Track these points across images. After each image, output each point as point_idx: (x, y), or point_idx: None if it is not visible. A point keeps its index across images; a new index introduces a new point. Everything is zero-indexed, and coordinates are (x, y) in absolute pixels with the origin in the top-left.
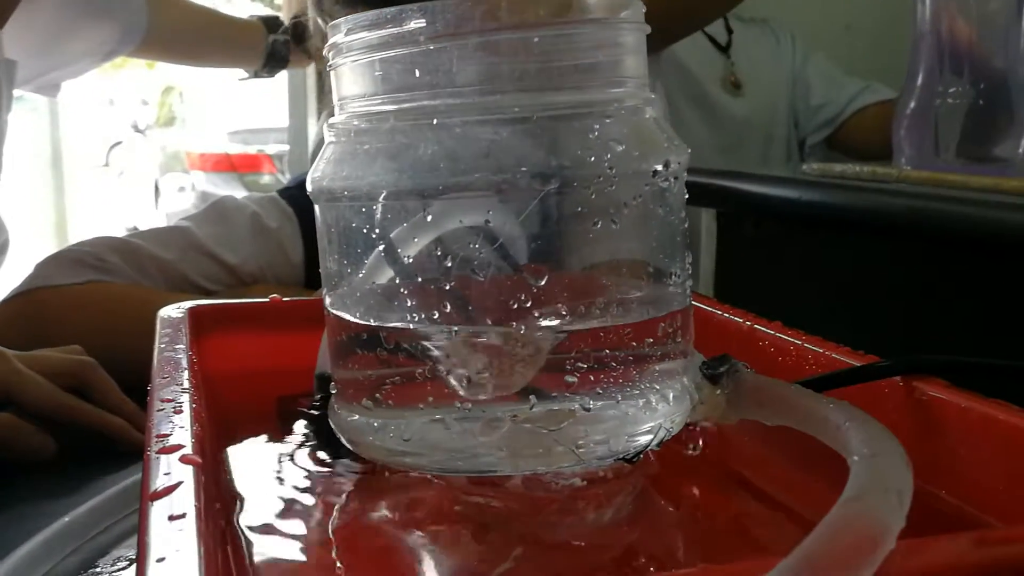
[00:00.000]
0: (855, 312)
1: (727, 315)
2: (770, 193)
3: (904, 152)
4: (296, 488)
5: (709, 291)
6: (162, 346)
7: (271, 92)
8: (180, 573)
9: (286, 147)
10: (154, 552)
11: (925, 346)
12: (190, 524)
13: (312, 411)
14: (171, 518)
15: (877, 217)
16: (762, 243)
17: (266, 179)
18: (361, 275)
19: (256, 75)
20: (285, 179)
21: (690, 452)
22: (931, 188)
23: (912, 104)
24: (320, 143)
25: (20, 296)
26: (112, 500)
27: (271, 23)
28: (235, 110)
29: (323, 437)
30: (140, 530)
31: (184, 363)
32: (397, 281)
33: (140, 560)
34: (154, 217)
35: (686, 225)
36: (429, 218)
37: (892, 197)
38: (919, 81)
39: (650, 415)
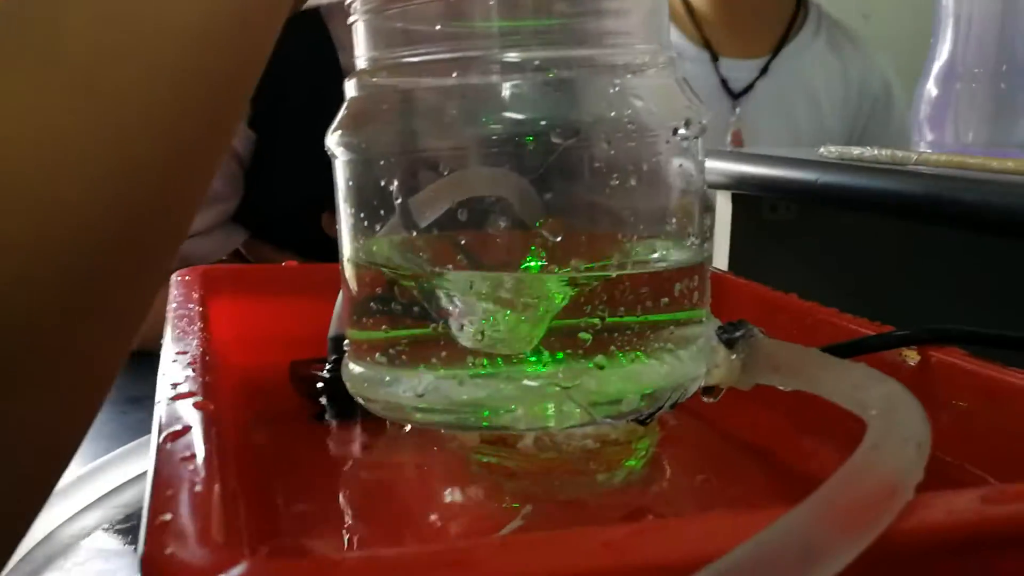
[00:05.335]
0: (871, 295)
1: (742, 286)
2: (787, 175)
3: (924, 135)
4: (309, 446)
5: None
6: (174, 304)
7: None
8: (192, 510)
9: None
10: (165, 490)
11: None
12: (200, 465)
13: (326, 374)
14: (183, 459)
15: (896, 199)
16: (778, 226)
17: None
18: (377, 230)
19: None
20: None
21: (707, 400)
22: (951, 170)
23: (932, 87)
24: None
25: None
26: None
27: None
28: None
29: (337, 398)
30: (153, 471)
31: (197, 319)
32: (413, 236)
33: (154, 498)
34: None
35: (704, 186)
36: (447, 172)
37: (912, 179)
38: (940, 65)
39: (664, 377)
